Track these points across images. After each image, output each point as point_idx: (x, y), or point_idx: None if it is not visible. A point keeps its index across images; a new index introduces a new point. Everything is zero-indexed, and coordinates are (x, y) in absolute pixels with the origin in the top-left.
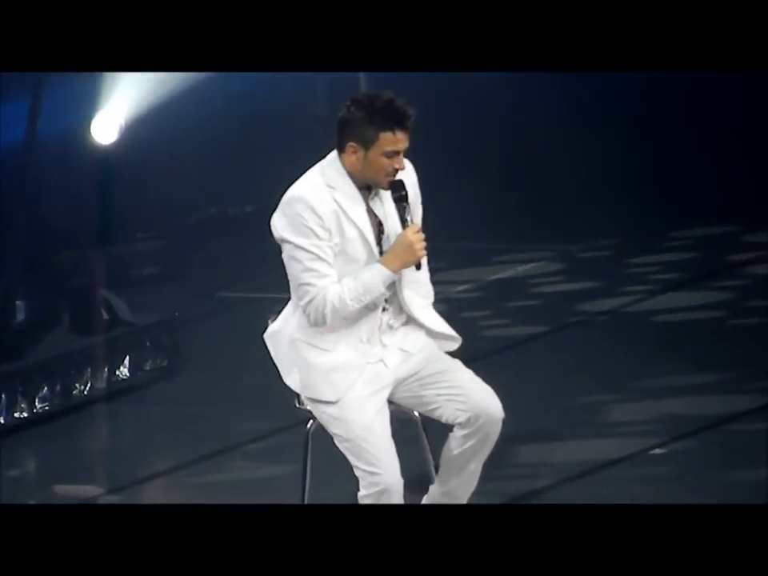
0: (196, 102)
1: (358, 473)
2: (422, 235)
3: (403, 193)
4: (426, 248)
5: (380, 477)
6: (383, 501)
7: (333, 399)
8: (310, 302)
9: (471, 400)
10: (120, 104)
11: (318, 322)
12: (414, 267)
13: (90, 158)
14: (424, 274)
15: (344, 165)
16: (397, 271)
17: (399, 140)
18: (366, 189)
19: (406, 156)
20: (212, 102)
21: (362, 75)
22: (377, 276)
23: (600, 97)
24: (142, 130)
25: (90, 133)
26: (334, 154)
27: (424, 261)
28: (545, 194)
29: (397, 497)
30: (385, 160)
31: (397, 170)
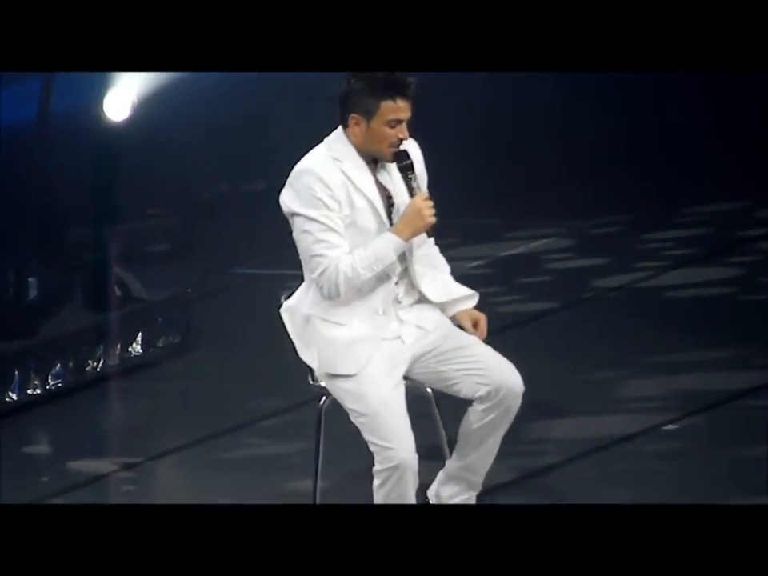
0: (208, 79)
1: (372, 448)
2: (430, 202)
3: (408, 162)
4: (436, 215)
5: (395, 452)
6: (397, 476)
7: (352, 372)
8: (322, 273)
9: (492, 374)
10: (132, 81)
11: (331, 293)
12: (425, 236)
13: (103, 135)
14: (433, 246)
15: (349, 138)
16: (408, 239)
17: (401, 108)
18: (374, 162)
19: (412, 135)
20: (224, 79)
21: None
22: (388, 244)
23: (613, 73)
24: (155, 107)
25: (102, 110)
26: (339, 129)
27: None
28: (556, 170)
29: (411, 473)
30: (388, 129)
31: (401, 140)
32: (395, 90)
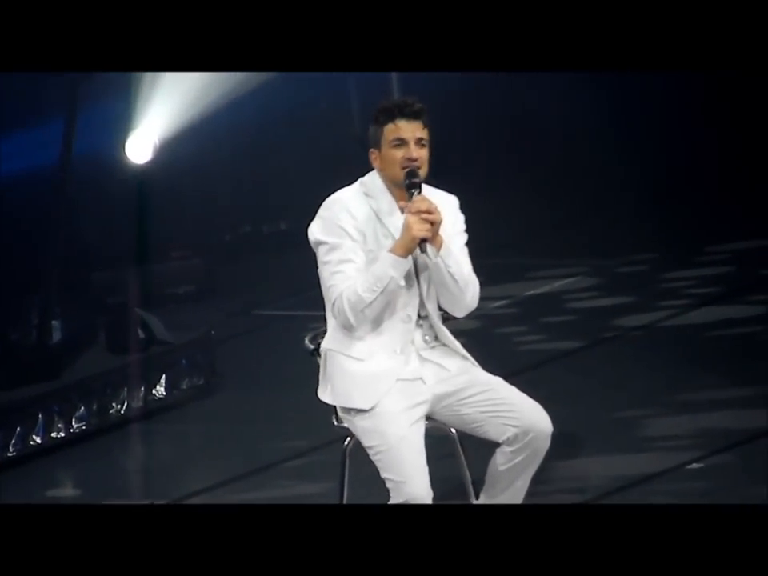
0: (230, 121)
1: (388, 484)
2: (422, 217)
3: (416, 180)
4: (429, 230)
5: (408, 487)
6: None
7: (366, 407)
8: (334, 303)
9: (520, 415)
10: (154, 123)
11: (344, 323)
12: (438, 262)
13: (125, 177)
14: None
15: (380, 176)
16: (403, 255)
17: (401, 128)
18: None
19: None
20: (246, 122)
21: (396, 93)
22: (384, 262)
23: (636, 114)
24: (177, 149)
25: (124, 152)
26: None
27: (464, 259)
28: (580, 209)
29: None
30: (394, 151)
31: (412, 161)
32: (393, 113)
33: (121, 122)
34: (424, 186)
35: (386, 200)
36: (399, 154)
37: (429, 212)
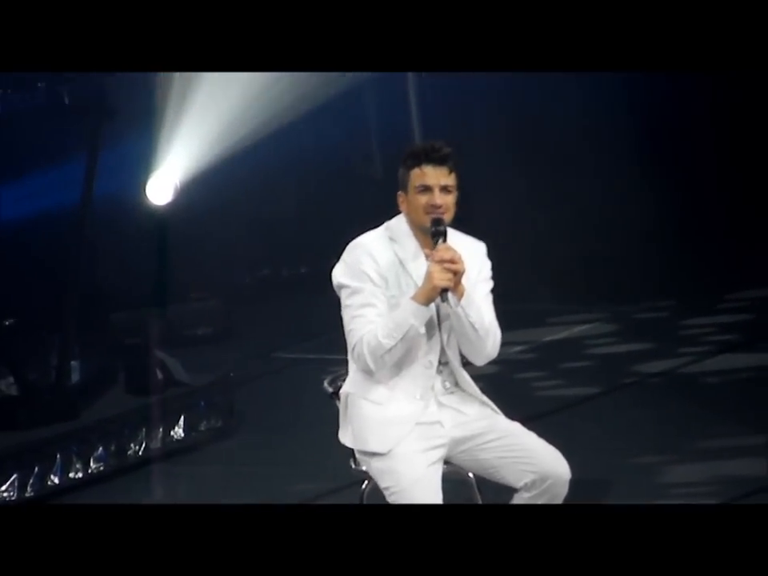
0: (250, 164)
1: None
2: (445, 266)
3: (440, 228)
4: (451, 280)
5: None
6: None
7: (383, 451)
8: (353, 347)
9: (538, 461)
10: (175, 165)
11: (364, 368)
12: (459, 311)
13: (146, 218)
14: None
15: (406, 220)
16: (424, 303)
17: (426, 174)
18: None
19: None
20: (267, 164)
21: (416, 136)
22: (405, 309)
23: (657, 155)
24: (197, 191)
25: (145, 194)
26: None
27: (487, 307)
28: (599, 255)
29: None
30: (419, 197)
31: (436, 208)
32: (419, 158)
33: (141, 163)
34: (452, 232)
35: (411, 245)
36: (423, 199)
37: (452, 261)
